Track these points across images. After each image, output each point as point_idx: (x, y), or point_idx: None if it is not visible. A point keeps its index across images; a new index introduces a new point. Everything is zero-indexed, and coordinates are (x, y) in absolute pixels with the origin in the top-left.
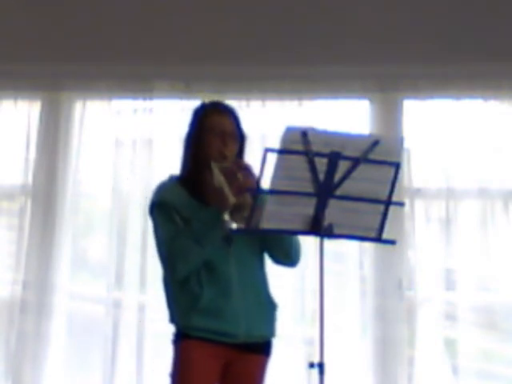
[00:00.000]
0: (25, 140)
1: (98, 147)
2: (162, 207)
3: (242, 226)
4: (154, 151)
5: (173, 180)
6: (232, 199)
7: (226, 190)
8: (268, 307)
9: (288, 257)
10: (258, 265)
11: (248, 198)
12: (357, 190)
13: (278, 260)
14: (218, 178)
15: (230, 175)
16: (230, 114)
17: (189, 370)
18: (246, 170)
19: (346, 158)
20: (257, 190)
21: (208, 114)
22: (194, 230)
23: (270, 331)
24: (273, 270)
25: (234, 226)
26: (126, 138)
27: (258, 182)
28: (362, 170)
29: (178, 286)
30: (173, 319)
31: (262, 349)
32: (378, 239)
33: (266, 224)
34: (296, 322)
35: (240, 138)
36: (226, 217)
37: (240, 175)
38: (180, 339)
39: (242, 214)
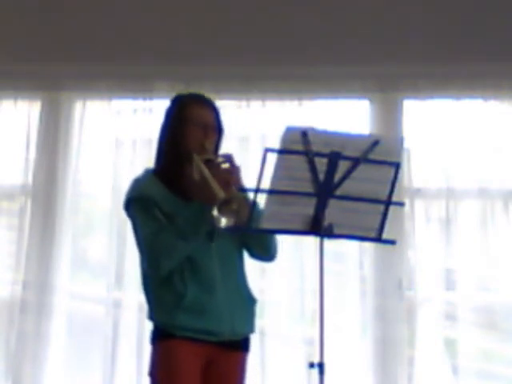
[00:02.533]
0: (25, 140)
1: (98, 147)
2: (141, 202)
3: (233, 220)
4: (154, 151)
5: (149, 174)
6: (221, 193)
7: (213, 183)
8: (249, 303)
9: (267, 251)
10: (238, 260)
11: (235, 190)
12: (357, 190)
13: (257, 255)
14: (203, 171)
15: (214, 168)
16: (211, 106)
17: (176, 371)
18: (229, 162)
19: (346, 158)
20: (250, 189)
21: (188, 105)
22: (178, 225)
23: (252, 327)
24: (273, 270)
25: (224, 220)
26: (126, 137)
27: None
28: (362, 170)
29: (160, 283)
30: (153, 317)
31: (242, 345)
32: (378, 239)
33: (266, 224)
34: (296, 321)
35: (218, 132)
36: (215, 212)
37: (225, 168)
38: (163, 338)
39: (231, 208)
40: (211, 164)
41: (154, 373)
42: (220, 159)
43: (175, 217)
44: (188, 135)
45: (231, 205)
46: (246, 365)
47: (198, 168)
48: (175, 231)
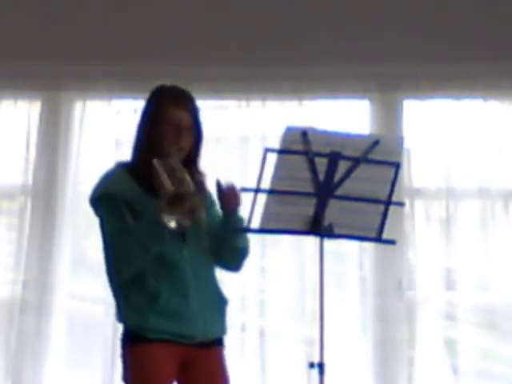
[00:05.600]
0: (25, 140)
1: (98, 147)
2: (108, 200)
3: (185, 221)
4: None
5: (120, 169)
6: (169, 187)
7: (165, 178)
8: (220, 304)
9: (235, 263)
10: (209, 263)
11: (189, 188)
12: (357, 190)
13: (224, 264)
14: (160, 172)
15: (170, 168)
16: (188, 106)
17: (152, 374)
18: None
19: (346, 158)
20: (249, 190)
21: (164, 104)
22: (142, 226)
23: (223, 329)
24: (273, 270)
25: (173, 221)
26: (126, 138)
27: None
28: (362, 170)
29: (133, 283)
30: (122, 319)
31: (216, 342)
32: (378, 239)
33: (266, 224)
34: (296, 321)
35: (197, 131)
36: (163, 211)
37: (181, 172)
38: (135, 341)
39: (182, 207)
40: (170, 166)
41: (128, 378)
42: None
43: (142, 214)
44: (162, 136)
45: (183, 203)
46: (224, 358)
47: (157, 171)
48: (138, 233)
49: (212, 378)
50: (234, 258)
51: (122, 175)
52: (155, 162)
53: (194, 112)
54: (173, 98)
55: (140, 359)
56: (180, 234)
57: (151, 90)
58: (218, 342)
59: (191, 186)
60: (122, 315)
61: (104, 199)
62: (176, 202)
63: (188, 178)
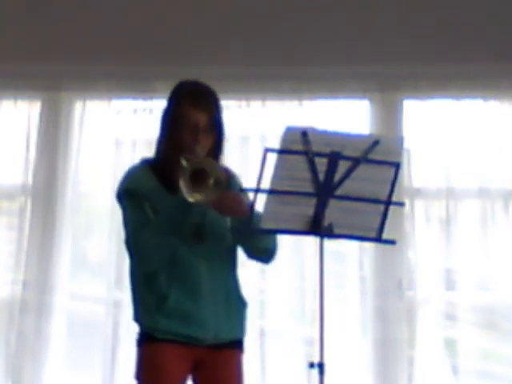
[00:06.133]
0: (25, 140)
1: (98, 147)
2: (130, 195)
3: (205, 196)
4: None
5: (143, 165)
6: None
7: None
8: (237, 307)
9: (265, 253)
10: (229, 262)
11: (211, 161)
12: (357, 190)
13: (255, 256)
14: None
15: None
16: (206, 106)
17: (161, 374)
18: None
19: (346, 158)
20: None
21: (182, 104)
22: (162, 220)
23: (239, 332)
24: (273, 270)
25: (196, 195)
26: (126, 137)
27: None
28: (362, 170)
29: (145, 283)
30: (137, 318)
31: (233, 346)
32: (378, 239)
33: (266, 224)
34: (296, 321)
35: (217, 131)
36: (188, 185)
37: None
38: (147, 341)
39: (207, 182)
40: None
41: (139, 376)
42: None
43: (159, 210)
44: (179, 136)
45: (207, 178)
46: (241, 363)
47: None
48: (158, 227)
49: (224, 382)
50: (259, 256)
51: (144, 172)
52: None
53: (213, 111)
54: (191, 99)
55: (150, 359)
56: (197, 233)
57: (173, 87)
58: (235, 346)
59: (212, 162)
60: (136, 315)
61: (126, 194)
62: (199, 178)
63: (211, 159)
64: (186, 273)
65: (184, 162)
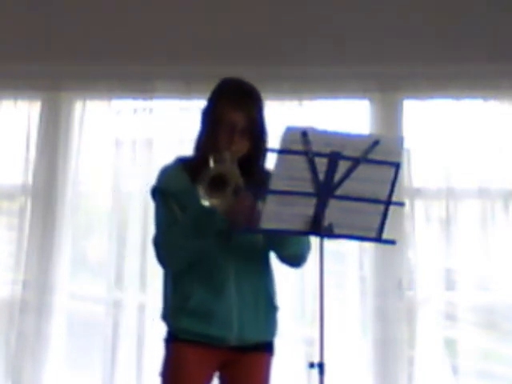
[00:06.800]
0: (25, 140)
1: (98, 147)
2: (161, 193)
3: (222, 204)
4: (154, 151)
5: (177, 164)
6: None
7: (211, 162)
8: (267, 309)
9: (293, 257)
10: (260, 261)
11: (233, 168)
12: (357, 190)
13: (283, 259)
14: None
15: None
16: (245, 106)
17: (178, 374)
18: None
19: (346, 158)
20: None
21: (220, 104)
22: (189, 220)
23: (267, 334)
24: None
25: (212, 200)
26: (126, 137)
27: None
28: (362, 170)
29: (172, 282)
30: (164, 317)
31: (262, 348)
32: (378, 239)
33: (266, 224)
34: (296, 321)
35: (256, 132)
36: (207, 190)
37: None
38: (170, 340)
39: (225, 189)
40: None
41: (163, 374)
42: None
43: (189, 210)
44: (217, 137)
45: (226, 184)
46: (269, 366)
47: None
48: (188, 227)
49: (250, 382)
50: (288, 262)
51: (177, 170)
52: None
53: (253, 113)
54: (230, 99)
55: (173, 359)
56: (225, 232)
57: (216, 84)
58: (263, 348)
59: (234, 169)
60: (163, 313)
61: (157, 192)
62: (219, 183)
63: (234, 166)
64: (211, 272)
65: (212, 162)
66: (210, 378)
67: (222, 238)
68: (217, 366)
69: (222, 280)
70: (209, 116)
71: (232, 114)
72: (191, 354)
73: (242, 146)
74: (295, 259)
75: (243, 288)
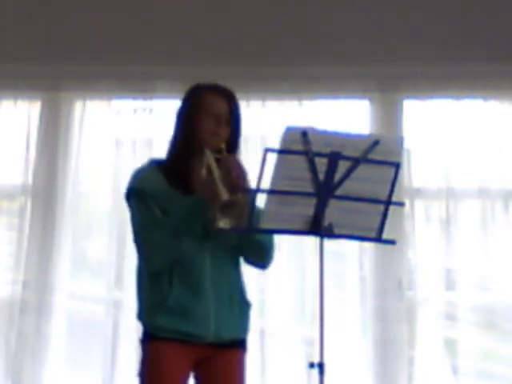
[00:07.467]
0: (25, 140)
1: (98, 147)
2: (137, 195)
3: (231, 223)
4: (154, 151)
5: (152, 165)
6: (225, 195)
7: (220, 184)
8: (240, 306)
9: (261, 259)
10: (233, 262)
11: (241, 196)
12: (357, 190)
13: (251, 261)
14: (212, 169)
15: (224, 169)
16: (226, 97)
17: (158, 373)
18: (240, 168)
19: (346, 158)
20: (250, 190)
21: (203, 93)
22: (172, 220)
23: (242, 330)
24: (273, 271)
25: (222, 222)
26: (126, 137)
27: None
28: (362, 170)
29: (150, 281)
30: (140, 317)
31: (236, 344)
32: (378, 239)
33: (266, 224)
34: (296, 322)
35: (235, 124)
36: (218, 214)
37: (235, 172)
38: (148, 339)
39: (232, 211)
40: (222, 164)
41: (141, 374)
42: (231, 161)
43: (170, 210)
44: (199, 123)
45: (233, 208)
46: (243, 362)
47: (209, 165)
48: (168, 227)
49: (225, 380)
50: (256, 253)
51: (152, 172)
52: (207, 151)
53: (232, 104)
54: (212, 88)
55: (151, 357)
56: (204, 230)
57: (189, 88)
58: (238, 345)
59: (242, 194)
60: (139, 313)
61: (133, 194)
62: (227, 206)
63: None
64: (189, 269)
65: (208, 152)
66: (187, 376)
67: (200, 238)
68: (193, 363)
69: (199, 276)
70: (191, 108)
71: (217, 101)
72: (169, 352)
73: (226, 133)
74: (261, 249)
75: (219, 286)
